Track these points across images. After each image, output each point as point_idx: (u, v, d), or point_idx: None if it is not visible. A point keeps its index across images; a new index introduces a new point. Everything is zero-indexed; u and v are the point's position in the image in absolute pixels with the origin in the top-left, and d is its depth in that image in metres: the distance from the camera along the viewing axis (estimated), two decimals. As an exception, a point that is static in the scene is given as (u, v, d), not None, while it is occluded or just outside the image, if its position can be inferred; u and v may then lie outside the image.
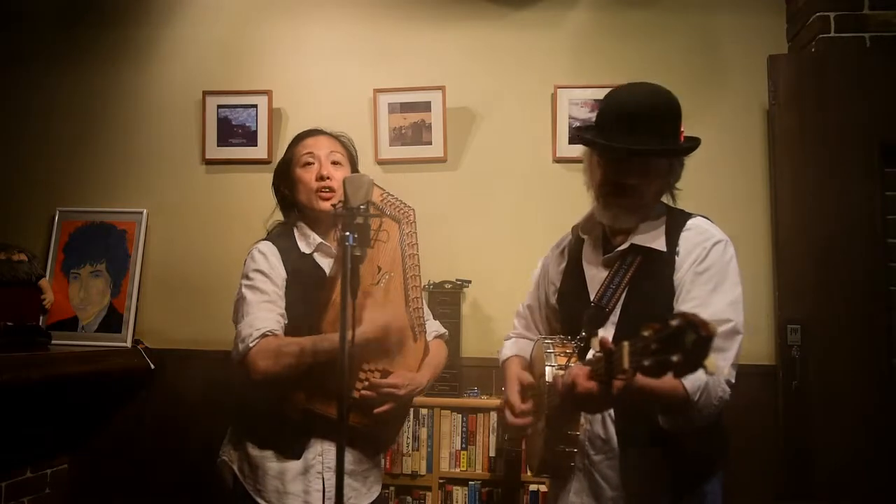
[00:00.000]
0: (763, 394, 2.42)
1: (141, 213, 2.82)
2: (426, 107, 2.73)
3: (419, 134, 2.74)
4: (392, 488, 2.45)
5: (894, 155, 2.30)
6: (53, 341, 2.51)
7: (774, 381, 2.38)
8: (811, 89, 2.36)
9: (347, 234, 1.50)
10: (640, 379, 1.10)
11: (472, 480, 2.43)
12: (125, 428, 2.68)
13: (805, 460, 2.23)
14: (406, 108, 2.75)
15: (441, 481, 2.44)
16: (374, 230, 1.76)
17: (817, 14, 2.40)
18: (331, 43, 2.84)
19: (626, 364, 1.07)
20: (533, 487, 2.37)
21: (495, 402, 2.45)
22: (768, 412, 2.40)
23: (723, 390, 1.37)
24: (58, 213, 2.85)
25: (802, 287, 2.31)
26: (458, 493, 2.44)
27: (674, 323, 0.97)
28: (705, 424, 1.39)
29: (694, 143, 1.53)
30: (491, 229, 2.66)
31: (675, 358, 0.96)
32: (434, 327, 2.00)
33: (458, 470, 2.44)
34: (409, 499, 2.45)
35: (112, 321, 2.75)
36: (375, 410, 1.73)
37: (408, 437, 2.46)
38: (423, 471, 2.44)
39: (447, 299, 2.55)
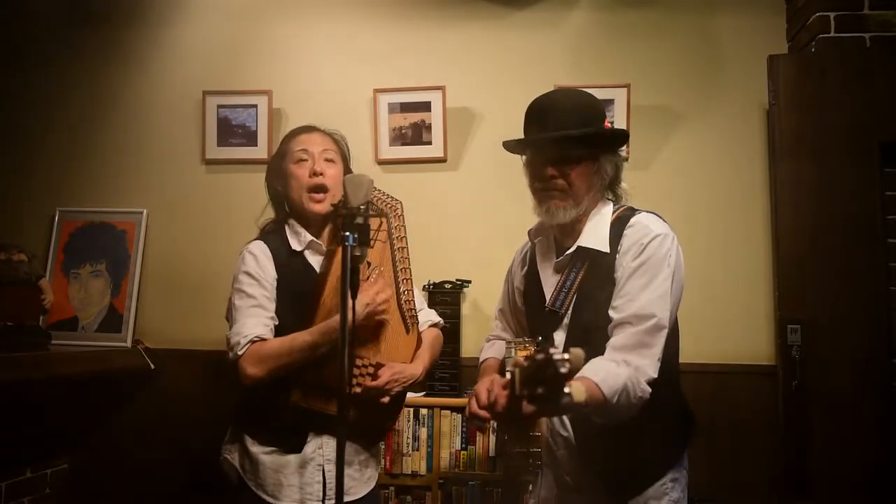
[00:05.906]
0: (763, 394, 2.43)
1: (141, 213, 2.83)
2: (426, 107, 2.73)
3: (419, 134, 2.74)
4: (392, 488, 2.44)
5: (894, 155, 2.30)
6: (53, 341, 2.51)
7: (774, 381, 2.39)
8: (811, 89, 2.35)
9: (347, 234, 1.50)
10: None
11: (472, 480, 2.42)
12: (125, 428, 2.68)
13: (805, 460, 2.23)
14: (406, 108, 2.75)
15: (441, 481, 2.44)
16: (374, 230, 1.76)
17: (817, 14, 2.40)
18: (331, 43, 2.84)
19: (518, 390, 1.14)
20: (533, 487, 2.37)
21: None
22: (768, 412, 2.40)
23: (642, 390, 1.38)
24: (58, 213, 2.85)
25: (802, 287, 2.31)
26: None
27: (539, 357, 1.04)
28: (628, 419, 1.40)
29: (610, 131, 1.59)
30: (491, 229, 2.66)
31: (540, 390, 1.04)
32: (428, 316, 2.01)
33: (457, 470, 2.44)
34: (409, 499, 2.45)
35: (112, 321, 2.75)
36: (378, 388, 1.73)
37: (408, 437, 2.45)
38: (423, 471, 2.44)
39: (447, 299, 2.55)
